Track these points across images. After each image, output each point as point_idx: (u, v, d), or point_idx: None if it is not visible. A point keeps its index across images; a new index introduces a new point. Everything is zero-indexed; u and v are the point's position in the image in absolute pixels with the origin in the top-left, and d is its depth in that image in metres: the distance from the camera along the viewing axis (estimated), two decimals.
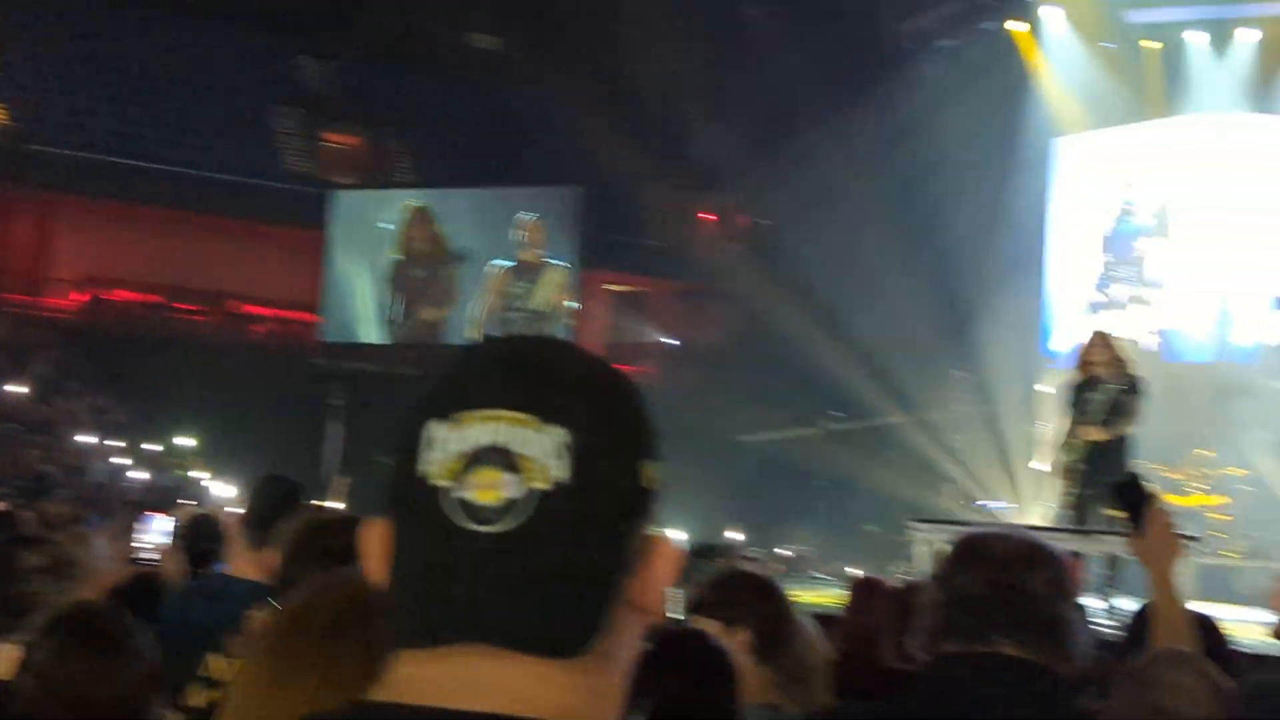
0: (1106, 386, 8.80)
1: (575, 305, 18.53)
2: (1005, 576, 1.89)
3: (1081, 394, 8.96)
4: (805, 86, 17.18)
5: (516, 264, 19.11)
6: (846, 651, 3.61)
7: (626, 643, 1.00)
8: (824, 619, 4.02)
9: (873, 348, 16.09)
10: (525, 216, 19.28)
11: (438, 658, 0.95)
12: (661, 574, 1.01)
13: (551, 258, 19.13)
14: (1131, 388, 8.85)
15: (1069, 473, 9.05)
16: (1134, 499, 2.82)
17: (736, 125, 19.41)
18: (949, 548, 2.07)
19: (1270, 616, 3.63)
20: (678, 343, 20.37)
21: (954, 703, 1.83)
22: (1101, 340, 9.14)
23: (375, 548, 0.99)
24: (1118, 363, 8.99)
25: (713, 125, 19.39)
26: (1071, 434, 9.03)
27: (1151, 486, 2.92)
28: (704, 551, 6.35)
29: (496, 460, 0.94)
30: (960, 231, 16.32)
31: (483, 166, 21.04)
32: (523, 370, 0.98)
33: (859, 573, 14.24)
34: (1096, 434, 8.73)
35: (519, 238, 19.06)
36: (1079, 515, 8.86)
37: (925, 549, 7.81)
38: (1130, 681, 2.47)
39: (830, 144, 16.64)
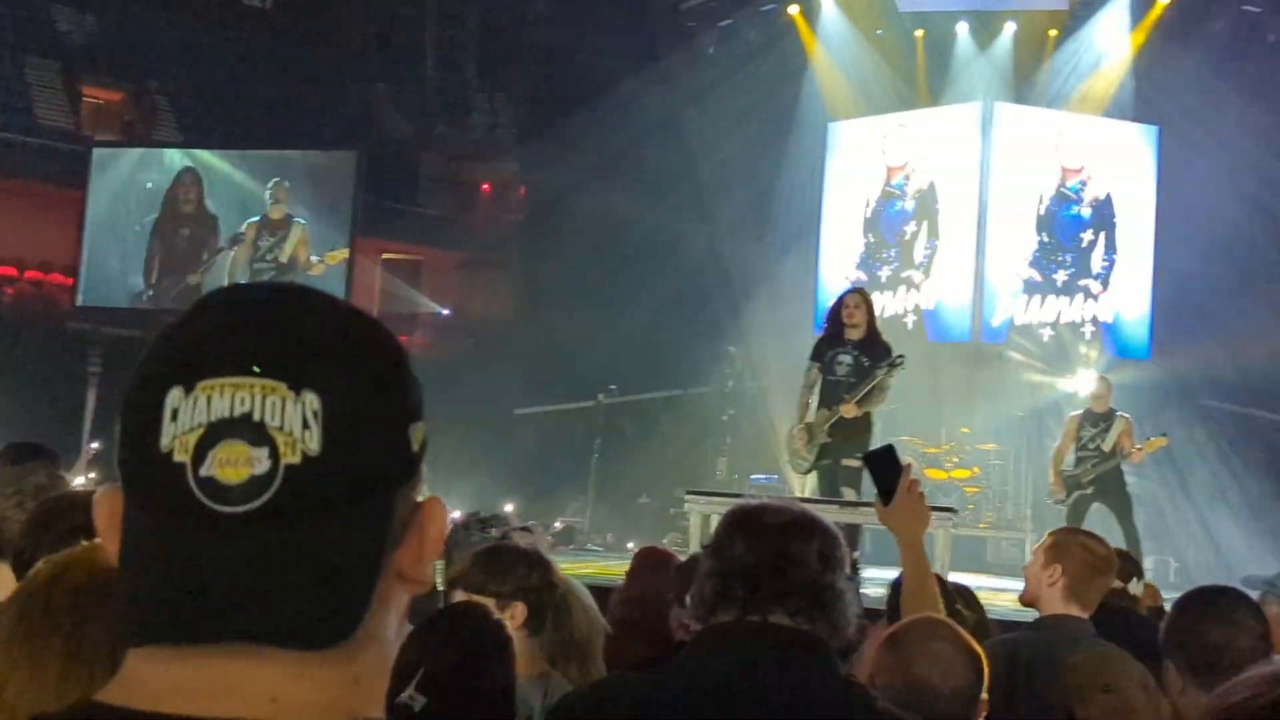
0: (858, 356, 8.43)
1: (316, 259, 18.37)
2: (777, 547, 1.90)
3: (831, 355, 8.52)
4: (587, 59, 17.18)
5: (265, 219, 18.84)
6: (626, 622, 3.60)
7: (393, 619, 0.91)
8: (602, 590, 4.02)
9: (650, 321, 16.24)
10: (276, 178, 19.14)
11: (179, 656, 0.84)
12: (431, 542, 0.93)
13: (298, 218, 19.01)
14: (883, 357, 8.49)
15: (811, 437, 8.64)
16: (885, 471, 2.87)
17: (517, 95, 19.30)
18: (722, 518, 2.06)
19: (1020, 585, 3.77)
20: (451, 313, 20.15)
21: (723, 672, 1.82)
22: (858, 300, 8.70)
23: (107, 523, 0.88)
24: (871, 329, 8.62)
25: (493, 94, 19.24)
26: (824, 403, 8.57)
27: (903, 458, 2.98)
28: (477, 523, 6.28)
29: (242, 433, 0.84)
30: (738, 209, 16.63)
31: (254, 128, 20.36)
32: (269, 329, 0.88)
33: (632, 545, 14.45)
34: (848, 409, 8.36)
35: (268, 195, 18.81)
36: (827, 485, 8.61)
37: (699, 520, 7.90)
38: (889, 648, 2.52)
39: (611, 118, 16.68)
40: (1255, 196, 15.07)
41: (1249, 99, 14.95)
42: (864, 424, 8.56)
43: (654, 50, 17.17)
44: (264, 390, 0.85)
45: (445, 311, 20.44)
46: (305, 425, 0.85)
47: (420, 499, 0.92)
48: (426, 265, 20.98)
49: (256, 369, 0.85)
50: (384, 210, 19.88)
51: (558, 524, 15.52)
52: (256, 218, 18.95)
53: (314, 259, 18.45)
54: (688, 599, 2.86)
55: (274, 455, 0.84)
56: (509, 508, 15.40)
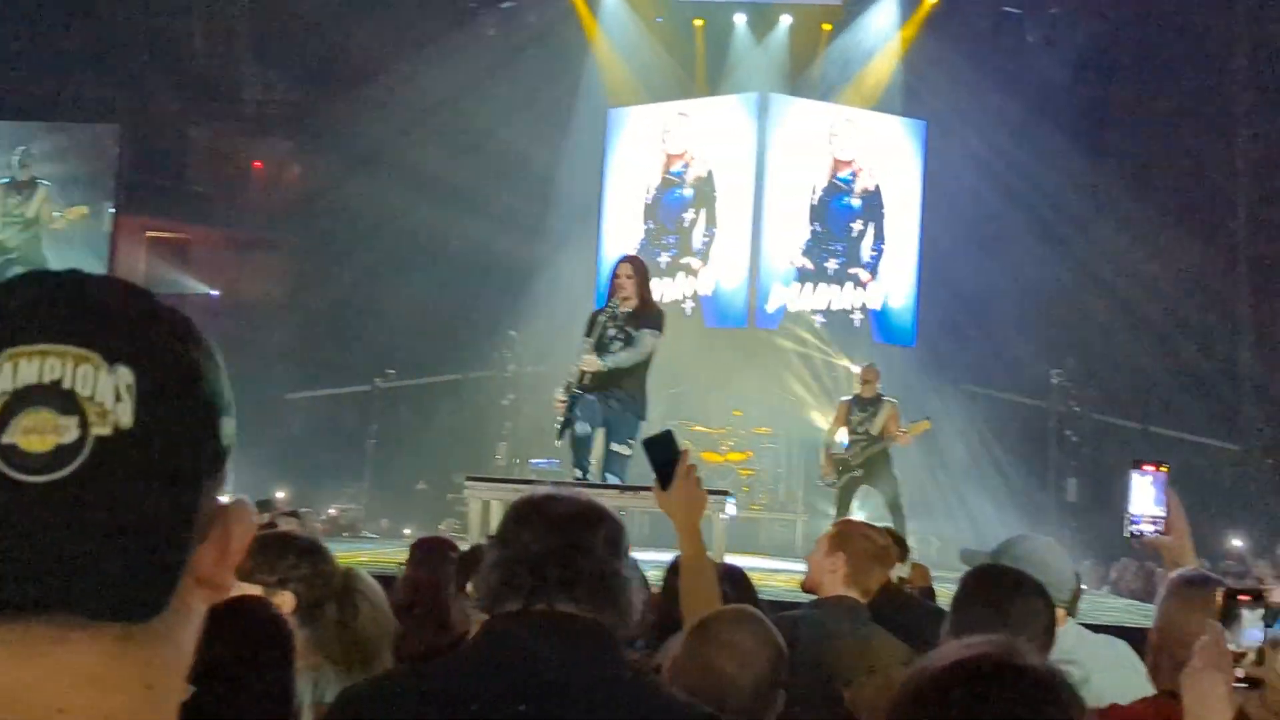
0: (630, 331, 8.15)
1: (58, 214, 18.24)
2: (563, 535, 1.90)
3: (602, 329, 8.22)
4: (365, 36, 16.80)
5: (13, 181, 18.78)
6: (409, 613, 3.51)
7: (190, 626, 0.85)
8: (380, 579, 3.91)
9: (429, 305, 16.03)
10: (23, 147, 18.81)
11: None
12: (235, 544, 0.87)
13: (42, 180, 18.76)
14: (647, 322, 8.21)
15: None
16: (663, 456, 2.87)
17: (291, 72, 18.74)
18: (502, 505, 2.04)
19: (799, 566, 3.85)
20: (220, 295, 19.47)
21: (508, 661, 1.80)
22: (629, 270, 8.37)
23: None
24: (644, 300, 8.32)
25: (266, 70, 18.63)
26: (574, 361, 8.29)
27: (681, 443, 2.98)
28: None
29: (50, 401, 0.79)
30: (520, 192, 16.55)
31: (15, 97, 19.23)
32: (82, 303, 0.83)
33: (409, 531, 14.24)
34: (589, 362, 8.04)
35: (16, 162, 18.52)
36: (576, 456, 8.35)
37: (478, 507, 7.81)
38: (694, 637, 2.52)
39: (389, 97, 16.39)
40: (1014, 190, 15.83)
41: (1009, 96, 15.67)
42: (638, 388, 8.27)
43: (433, 30, 16.89)
44: (76, 360, 0.80)
45: (214, 293, 19.74)
46: (118, 398, 0.80)
47: (225, 499, 0.88)
48: (194, 245, 20.21)
49: (70, 340, 0.81)
50: (150, 187, 19.08)
51: (331, 511, 15.22)
52: (5, 180, 18.81)
53: (55, 214, 18.66)
54: (469, 588, 2.80)
55: (83, 425, 0.79)
56: (280, 495, 15.03)
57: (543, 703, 1.74)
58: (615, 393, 8.13)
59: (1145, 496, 2.81)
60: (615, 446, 8.21)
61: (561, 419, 8.23)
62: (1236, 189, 17.26)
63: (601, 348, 8.10)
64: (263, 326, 17.53)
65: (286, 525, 6.20)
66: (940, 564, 8.76)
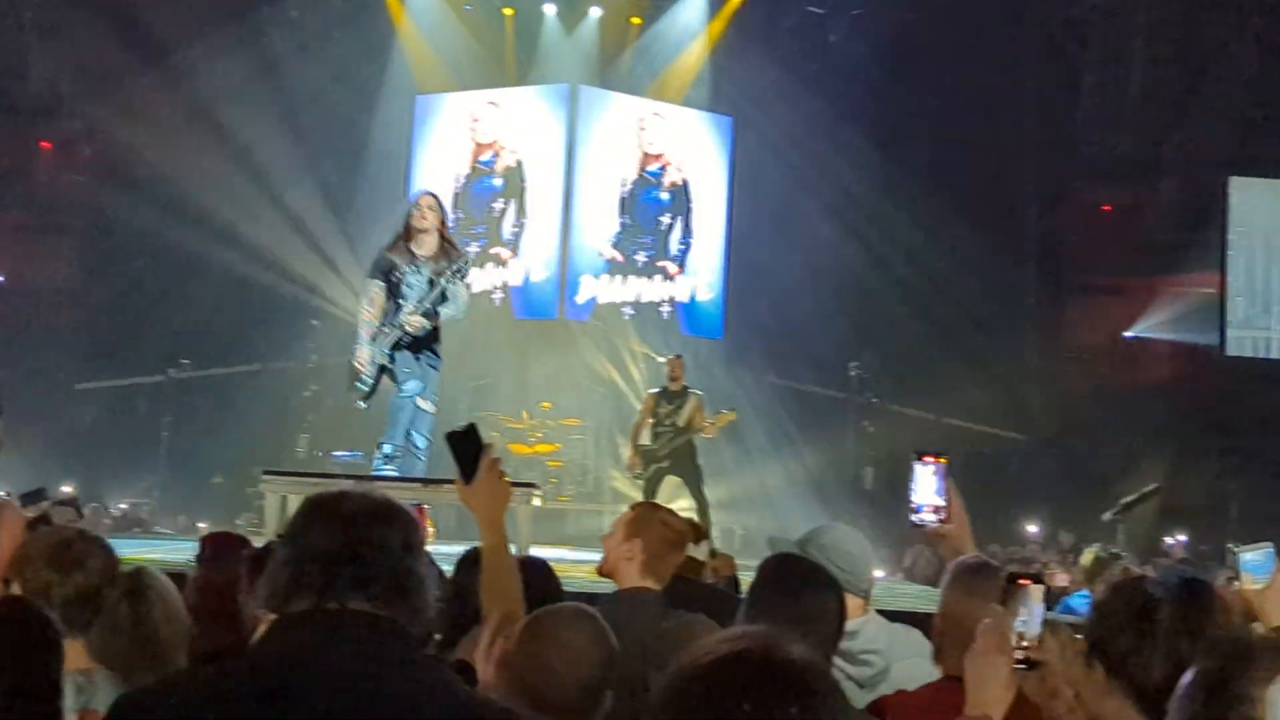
0: (432, 279, 7.79)
1: None
2: (355, 532, 1.87)
3: (399, 276, 7.80)
4: (162, 13, 16.18)
5: None
6: (202, 612, 3.39)
7: None
8: (177, 577, 3.77)
9: (227, 292, 15.57)
10: None
11: None
12: (5, 544, 0.80)
13: None
14: (457, 272, 7.89)
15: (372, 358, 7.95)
16: (467, 450, 2.84)
17: (83, 48, 17.93)
18: (301, 500, 1.98)
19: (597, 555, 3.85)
20: (4, 281, 18.54)
21: (299, 662, 1.75)
22: (431, 201, 8.01)
23: None
24: (443, 239, 7.97)
25: (55, 46, 17.78)
26: (390, 320, 7.90)
27: (486, 436, 2.95)
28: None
29: None
30: (323, 179, 16.20)
31: None
32: None
33: (204, 525, 13.82)
34: (413, 321, 7.74)
35: None
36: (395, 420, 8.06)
37: (276, 501, 7.62)
38: (528, 632, 2.51)
39: (187, 77, 15.85)
40: (815, 186, 16.21)
41: (811, 92, 16.01)
42: (438, 342, 8.01)
43: (236, 8, 16.36)
44: None
45: (1, 279, 18.82)
46: None
47: None
48: None
49: None
50: None
51: (122, 505, 14.66)
52: None
53: None
54: (265, 587, 2.71)
55: None
56: (66, 489, 14.42)
57: (335, 702, 1.71)
58: (425, 351, 7.94)
59: (927, 486, 2.89)
60: (423, 404, 8.00)
61: (369, 380, 7.94)
62: (1024, 185, 18.03)
63: (401, 299, 7.82)
64: (50, 313, 16.76)
65: (61, 517, 5.94)
66: (744, 553, 8.91)
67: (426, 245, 7.89)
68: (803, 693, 1.22)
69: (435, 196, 8.20)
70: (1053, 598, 10.14)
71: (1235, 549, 3.91)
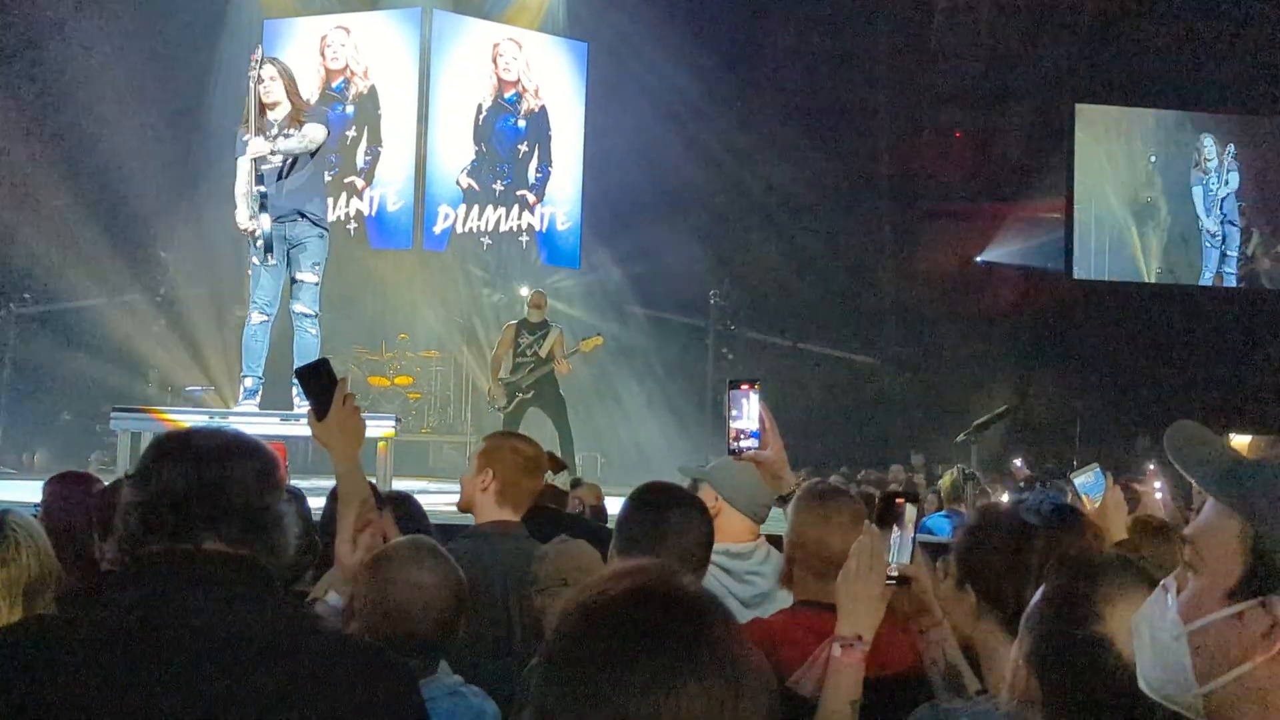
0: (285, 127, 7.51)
1: None
2: (208, 470, 1.81)
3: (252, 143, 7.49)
4: None
5: None
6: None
7: None
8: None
9: (69, 225, 15.00)
10: None
11: None
12: None
13: None
14: (311, 118, 7.57)
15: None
16: (318, 386, 2.79)
17: None
18: (152, 435, 1.92)
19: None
20: None
21: (150, 604, 1.70)
22: (274, 69, 7.58)
23: None
24: (294, 100, 7.64)
25: None
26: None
27: (338, 371, 2.90)
28: None
29: None
30: (168, 108, 15.65)
31: None
32: None
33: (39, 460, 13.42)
34: (258, 146, 7.45)
35: None
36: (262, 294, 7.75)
37: (128, 438, 7.43)
38: (371, 571, 2.49)
39: (16, 4, 15.13)
40: (677, 116, 16.19)
41: (668, 19, 15.93)
42: (320, 204, 7.79)
43: None
44: None
45: None
46: None
47: None
48: None
49: None
50: None
51: None
52: None
53: None
54: (115, 529, 2.64)
55: None
56: None
57: (195, 645, 1.67)
58: (293, 219, 7.59)
59: (744, 414, 2.94)
60: (302, 275, 7.71)
61: (262, 241, 7.52)
62: (878, 112, 18.26)
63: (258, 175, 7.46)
64: None
65: None
66: (607, 482, 8.96)
67: (279, 112, 7.55)
68: (708, 620, 1.23)
69: (275, 63, 7.76)
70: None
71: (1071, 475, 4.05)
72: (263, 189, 7.41)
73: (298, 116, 7.53)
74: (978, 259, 18.79)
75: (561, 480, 5.12)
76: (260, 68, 7.54)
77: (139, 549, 1.78)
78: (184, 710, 1.63)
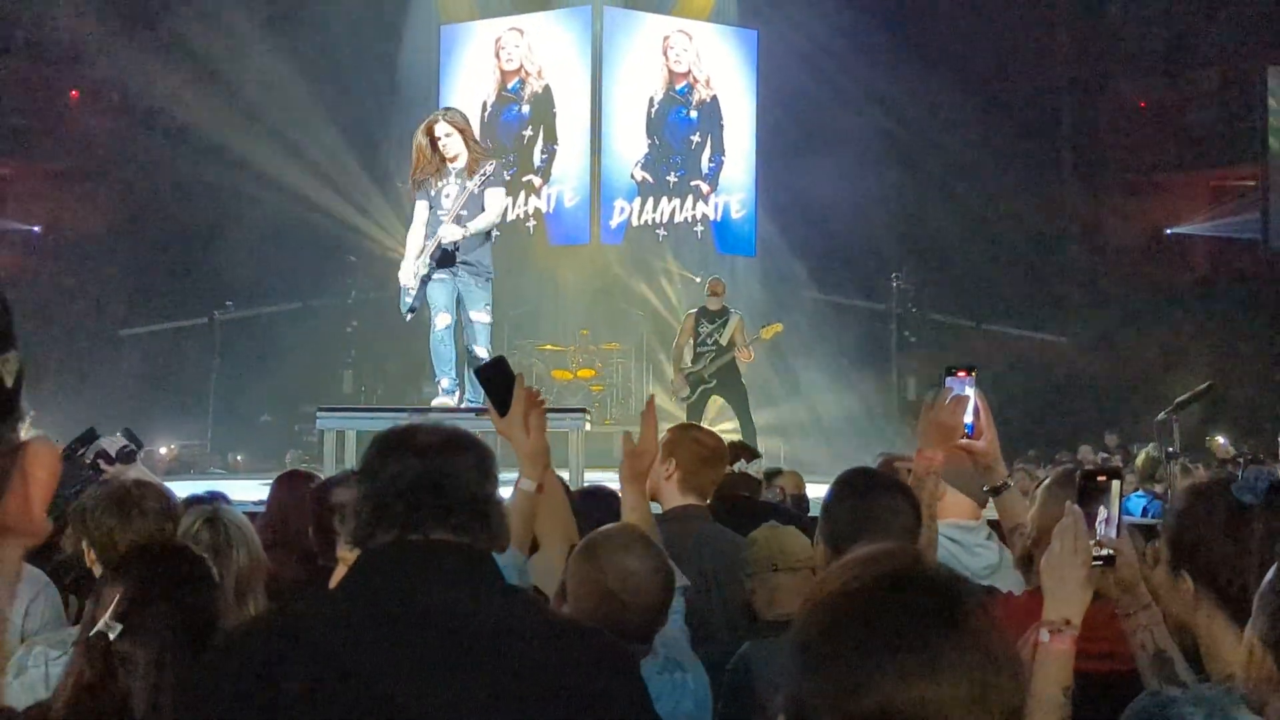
0: (465, 177, 7.71)
1: None
2: (432, 463, 1.88)
3: (435, 187, 7.73)
4: None
5: None
6: (271, 548, 3.45)
7: (6, 570, 0.79)
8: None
9: (265, 232, 15.61)
10: None
11: None
12: (39, 486, 0.80)
13: None
14: (491, 181, 7.75)
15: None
16: (498, 383, 2.86)
17: None
18: (356, 435, 2.01)
19: None
20: (41, 231, 18.65)
21: (387, 593, 1.78)
22: (448, 125, 7.74)
23: None
24: (472, 151, 7.82)
25: None
26: (429, 235, 7.79)
27: (514, 367, 2.98)
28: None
29: None
30: (354, 115, 16.16)
31: None
32: None
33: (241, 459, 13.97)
34: (452, 231, 7.62)
35: None
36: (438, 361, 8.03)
37: (333, 437, 7.69)
38: (582, 559, 2.53)
39: (213, 19, 15.78)
40: (848, 96, 16.02)
41: (839, 1, 15.77)
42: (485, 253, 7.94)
43: None
44: None
45: (35, 229, 18.93)
46: None
47: (24, 439, 0.81)
48: (12, 180, 19.29)
49: None
50: None
51: (171, 448, 14.84)
52: None
53: None
54: (337, 523, 2.77)
55: None
56: (119, 435, 14.59)
57: (432, 632, 1.73)
58: (466, 265, 7.80)
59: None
60: (476, 315, 7.88)
61: (411, 293, 7.82)
62: (1059, 83, 17.77)
63: (439, 208, 7.72)
64: (91, 262, 16.86)
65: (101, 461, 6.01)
66: (789, 466, 8.93)
67: (455, 154, 7.73)
68: (960, 602, 1.23)
69: (450, 117, 7.91)
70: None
71: None
72: (433, 263, 7.73)
73: (475, 161, 7.75)
74: (1168, 231, 18.14)
75: (755, 468, 5.14)
76: (436, 126, 7.75)
77: (370, 540, 1.86)
78: (422, 696, 1.69)
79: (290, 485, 4.07)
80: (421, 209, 7.85)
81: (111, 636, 2.15)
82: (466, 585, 1.80)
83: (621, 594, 2.47)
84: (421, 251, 7.76)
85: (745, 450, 5.20)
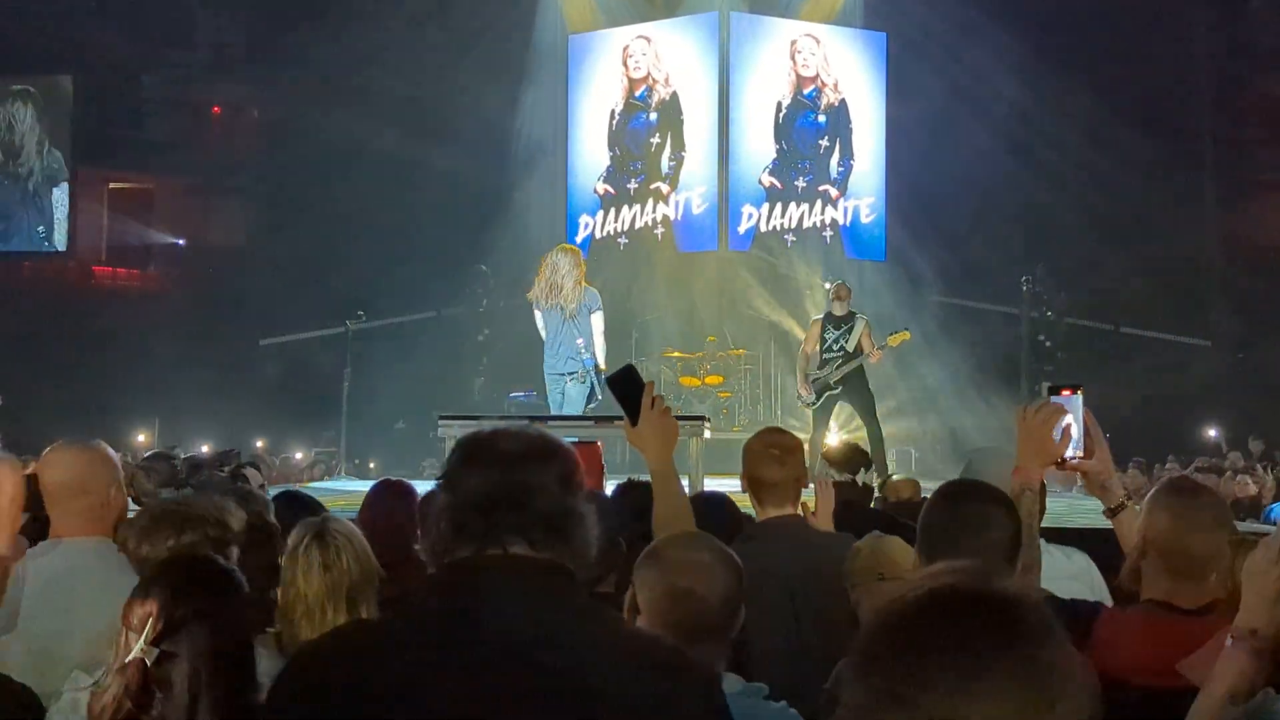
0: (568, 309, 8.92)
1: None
2: (511, 475, 1.82)
3: (544, 314, 9.02)
4: None
5: None
6: (380, 558, 3.50)
7: None
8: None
9: (397, 243, 15.91)
10: None
11: None
12: (4, 507, 0.81)
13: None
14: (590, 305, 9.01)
15: None
16: (628, 391, 2.86)
17: (245, 12, 18.44)
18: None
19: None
20: (185, 244, 19.27)
21: (462, 609, 1.75)
22: (569, 263, 9.00)
23: None
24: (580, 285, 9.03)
25: (219, 11, 18.32)
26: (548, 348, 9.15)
27: (646, 375, 2.97)
28: (210, 460, 6.05)
29: None
30: (481, 125, 16.37)
31: None
32: None
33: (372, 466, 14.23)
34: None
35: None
36: None
37: (452, 445, 7.78)
38: (648, 564, 2.50)
39: (344, 35, 16.14)
40: (978, 99, 15.74)
41: (966, 3, 15.51)
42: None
43: None
44: None
45: (180, 242, 19.58)
46: None
47: None
48: (157, 194, 19.99)
49: None
50: (108, 138, 18.82)
51: (302, 454, 15.19)
52: None
53: None
54: (427, 534, 2.77)
55: None
56: (259, 443, 15.02)
57: (505, 653, 1.70)
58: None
59: (1066, 420, 2.81)
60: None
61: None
62: (1196, 81, 17.22)
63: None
64: (231, 273, 17.38)
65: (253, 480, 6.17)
66: (919, 476, 8.80)
67: (564, 293, 8.81)
68: (1020, 625, 1.20)
69: (570, 255, 9.07)
70: (1244, 508, 9.80)
71: None
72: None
73: (579, 288, 8.83)
74: None
75: (868, 477, 5.05)
76: (559, 274, 8.84)
77: (451, 554, 1.84)
78: (492, 713, 1.67)
79: (379, 493, 4.12)
80: (538, 319, 9.06)
81: (149, 662, 2.13)
82: (540, 601, 1.78)
83: (693, 589, 2.42)
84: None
85: (860, 457, 5.11)
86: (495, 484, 1.82)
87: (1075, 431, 2.76)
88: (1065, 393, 2.78)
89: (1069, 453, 2.77)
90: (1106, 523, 3.01)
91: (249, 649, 2.27)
